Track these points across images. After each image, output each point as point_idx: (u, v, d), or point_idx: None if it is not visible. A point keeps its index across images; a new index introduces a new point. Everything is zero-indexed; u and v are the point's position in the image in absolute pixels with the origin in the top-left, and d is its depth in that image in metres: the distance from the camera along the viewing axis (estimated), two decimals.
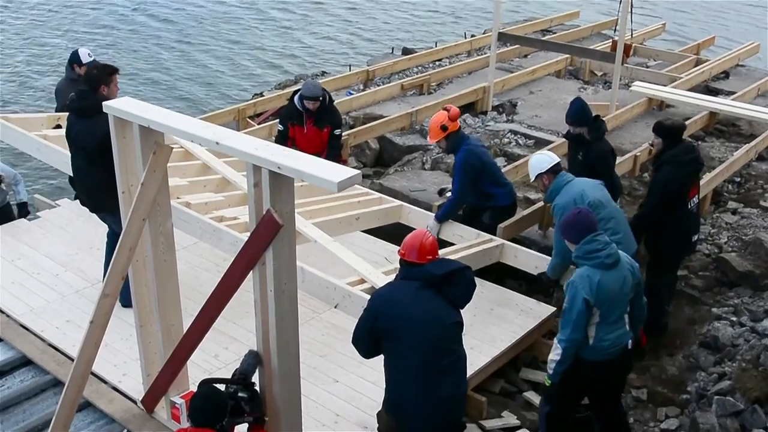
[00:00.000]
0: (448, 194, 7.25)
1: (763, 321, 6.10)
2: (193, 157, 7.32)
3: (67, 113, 5.94)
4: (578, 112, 6.68)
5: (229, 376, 4.25)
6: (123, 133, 4.42)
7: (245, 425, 4.19)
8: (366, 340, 4.25)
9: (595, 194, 5.74)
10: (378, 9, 23.14)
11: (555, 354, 4.72)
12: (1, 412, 5.30)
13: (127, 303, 5.17)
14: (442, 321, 4.13)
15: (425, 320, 4.07)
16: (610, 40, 11.60)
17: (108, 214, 5.82)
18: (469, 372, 4.71)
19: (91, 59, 7.36)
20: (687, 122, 9.13)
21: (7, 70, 16.57)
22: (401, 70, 12.23)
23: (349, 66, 13.98)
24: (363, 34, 20.59)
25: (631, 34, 10.28)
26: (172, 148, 4.48)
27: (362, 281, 5.66)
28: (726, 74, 12.28)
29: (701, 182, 6.95)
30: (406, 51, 13.75)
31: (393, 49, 14.81)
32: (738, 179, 8.76)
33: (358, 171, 3.56)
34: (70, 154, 5.95)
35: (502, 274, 6.84)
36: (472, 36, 14.39)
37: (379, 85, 11.49)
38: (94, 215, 6.19)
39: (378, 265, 6.24)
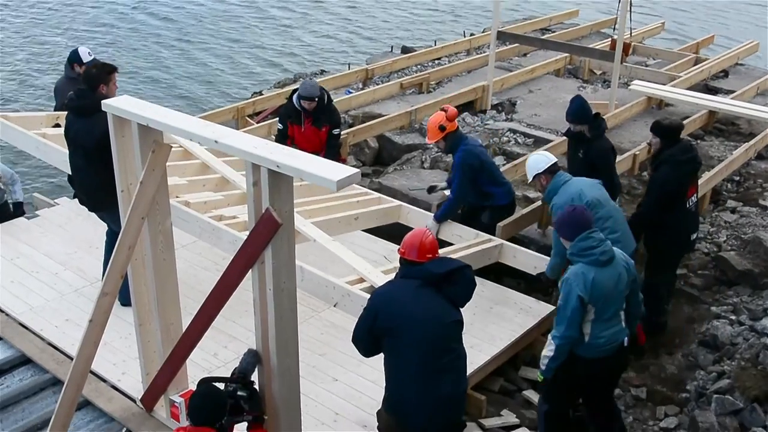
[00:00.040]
0: (439, 191, 7.27)
1: (762, 320, 6.11)
2: (192, 156, 7.33)
3: (66, 112, 5.93)
4: (578, 110, 6.68)
5: (229, 375, 4.25)
6: (122, 132, 4.41)
7: (244, 424, 4.19)
8: (366, 339, 4.24)
9: (593, 193, 5.74)
10: (377, 7, 23.12)
11: (548, 350, 4.71)
12: (1, 410, 5.29)
13: (126, 302, 5.17)
14: (442, 319, 4.13)
15: (425, 319, 4.07)
16: (610, 39, 11.63)
17: (107, 212, 5.81)
18: (469, 370, 4.71)
19: (92, 58, 7.34)
20: (686, 121, 9.15)
21: (7, 69, 16.54)
22: (400, 68, 12.21)
23: (349, 64, 13.98)
24: (362, 33, 20.59)
25: (631, 33, 10.25)
26: (171, 146, 4.48)
27: (361, 280, 5.65)
28: (725, 73, 12.28)
29: (700, 181, 6.95)
30: (405, 50, 13.74)
31: (392, 47, 14.79)
32: (737, 178, 8.76)
33: (357, 170, 3.55)
34: (68, 153, 5.94)
35: (500, 273, 6.84)
36: (472, 35, 14.38)
37: (378, 84, 11.49)
38: (93, 214, 6.18)
39: (377, 264, 6.24)
